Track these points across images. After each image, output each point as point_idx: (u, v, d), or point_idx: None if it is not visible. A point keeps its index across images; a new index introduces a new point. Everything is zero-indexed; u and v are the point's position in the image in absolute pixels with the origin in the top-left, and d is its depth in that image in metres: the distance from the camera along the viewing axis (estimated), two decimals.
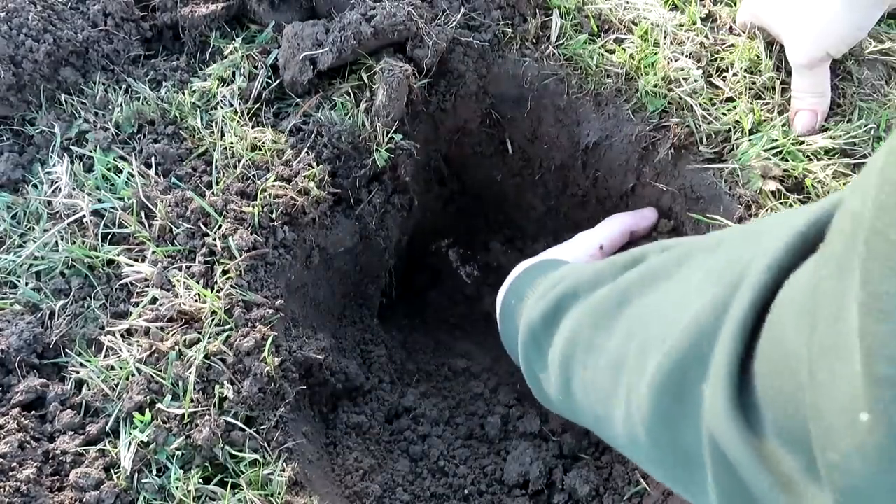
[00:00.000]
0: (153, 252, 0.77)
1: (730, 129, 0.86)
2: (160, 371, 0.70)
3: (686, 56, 0.91)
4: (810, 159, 0.83)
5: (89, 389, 0.71)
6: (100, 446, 0.68)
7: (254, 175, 0.83)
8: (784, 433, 0.32)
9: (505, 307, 0.73)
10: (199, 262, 0.77)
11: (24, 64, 0.86)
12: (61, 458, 0.67)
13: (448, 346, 1.14)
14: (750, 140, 0.84)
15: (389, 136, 0.88)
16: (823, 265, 0.29)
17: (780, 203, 0.80)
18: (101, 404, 0.70)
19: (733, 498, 0.37)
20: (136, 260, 0.77)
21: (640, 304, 0.47)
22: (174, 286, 0.75)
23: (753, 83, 0.89)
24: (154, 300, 0.74)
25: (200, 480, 0.66)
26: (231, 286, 0.75)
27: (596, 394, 0.50)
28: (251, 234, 0.78)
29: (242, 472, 0.67)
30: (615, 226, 0.88)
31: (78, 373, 0.71)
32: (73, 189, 0.82)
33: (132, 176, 0.82)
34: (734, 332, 0.34)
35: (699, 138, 0.86)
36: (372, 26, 0.86)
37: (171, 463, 0.66)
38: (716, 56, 0.92)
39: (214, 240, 0.77)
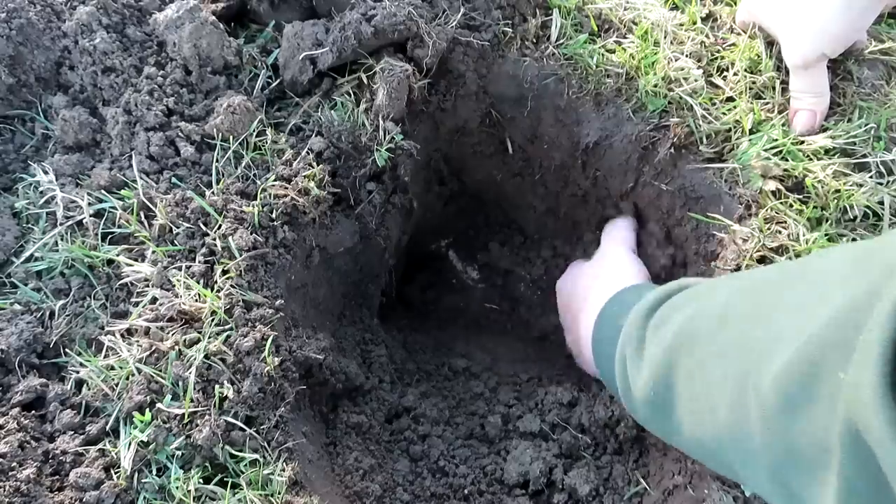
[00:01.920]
0: (153, 252, 0.77)
1: (730, 129, 0.86)
2: (160, 371, 0.70)
3: (686, 56, 0.91)
4: (810, 159, 0.82)
5: (89, 389, 0.71)
6: (100, 446, 0.68)
7: (254, 175, 0.83)
8: None
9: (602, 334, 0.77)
10: (199, 261, 0.77)
11: (23, 64, 0.86)
12: (61, 458, 0.67)
13: (448, 346, 1.14)
14: (750, 140, 0.84)
15: (389, 136, 0.88)
16: None
17: (780, 203, 0.80)
18: (101, 404, 0.70)
19: (858, 489, 0.36)
20: (136, 260, 0.77)
21: (750, 310, 0.49)
22: (174, 286, 0.75)
23: (754, 83, 0.89)
24: (154, 300, 0.74)
25: (200, 480, 0.66)
26: (231, 286, 0.75)
27: (701, 386, 0.52)
28: (251, 233, 0.78)
29: (242, 472, 0.67)
30: (628, 228, 0.99)
31: (78, 373, 0.71)
32: (74, 189, 0.82)
33: None
34: (890, 313, 0.34)
35: (699, 138, 0.86)
36: (372, 26, 0.86)
37: (171, 463, 0.66)
38: (716, 55, 0.92)
39: (214, 239, 0.77)
